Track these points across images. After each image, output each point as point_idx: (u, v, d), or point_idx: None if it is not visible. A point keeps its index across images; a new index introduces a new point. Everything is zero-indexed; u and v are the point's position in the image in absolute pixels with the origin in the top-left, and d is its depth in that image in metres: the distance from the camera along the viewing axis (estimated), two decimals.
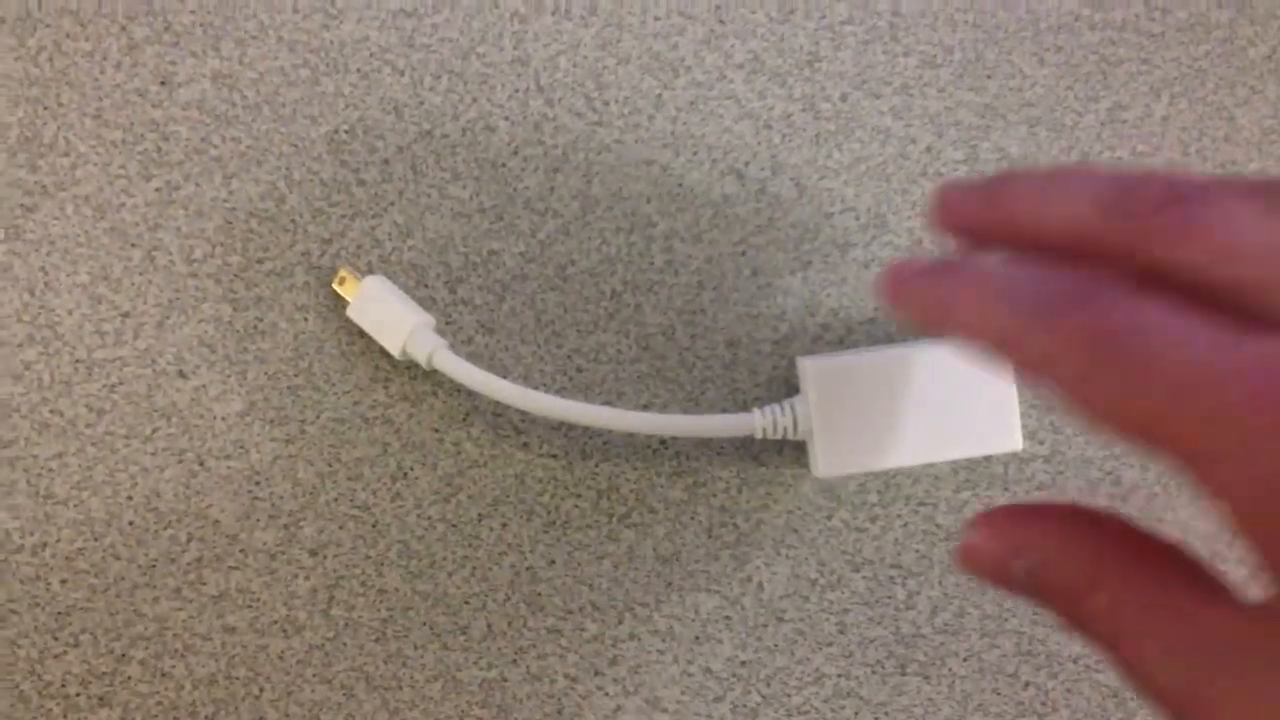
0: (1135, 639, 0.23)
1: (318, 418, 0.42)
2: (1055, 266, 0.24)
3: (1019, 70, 0.45)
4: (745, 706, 0.41)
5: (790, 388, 0.43)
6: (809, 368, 0.39)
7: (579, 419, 0.40)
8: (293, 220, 0.43)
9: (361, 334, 0.42)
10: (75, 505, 0.41)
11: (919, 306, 0.27)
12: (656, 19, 0.46)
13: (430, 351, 0.41)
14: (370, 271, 0.43)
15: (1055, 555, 0.25)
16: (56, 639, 0.41)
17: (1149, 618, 0.23)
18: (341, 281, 0.42)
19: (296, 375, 0.42)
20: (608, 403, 0.43)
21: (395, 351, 0.41)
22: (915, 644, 0.41)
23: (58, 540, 0.41)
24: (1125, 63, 0.45)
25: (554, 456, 0.42)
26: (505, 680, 0.41)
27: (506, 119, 0.45)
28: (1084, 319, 0.23)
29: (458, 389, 0.42)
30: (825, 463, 0.38)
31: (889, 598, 0.41)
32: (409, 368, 0.42)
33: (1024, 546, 0.26)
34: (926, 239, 0.44)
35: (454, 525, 0.42)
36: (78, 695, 0.40)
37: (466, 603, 0.41)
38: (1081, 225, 0.24)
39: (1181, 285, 0.23)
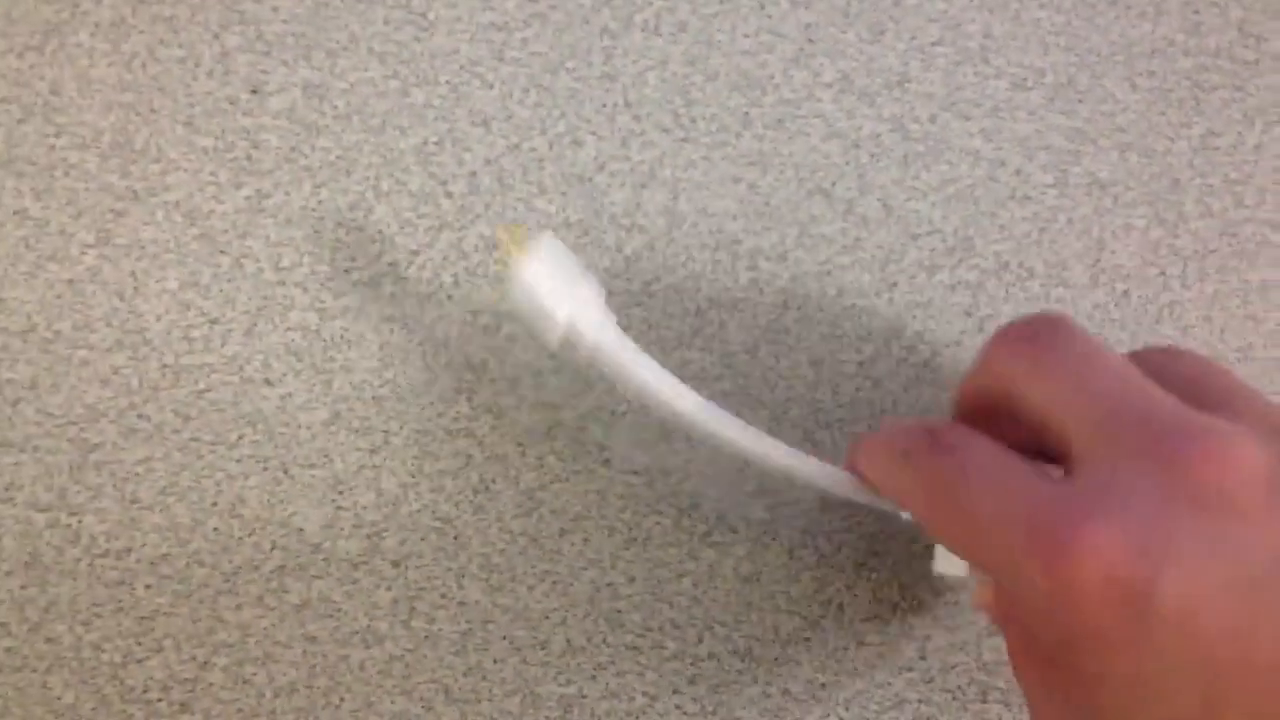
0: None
1: (401, 429, 0.42)
2: (928, 424, 0.30)
3: (1111, 95, 0.45)
4: None
5: (873, 407, 0.42)
6: None
7: (728, 435, 0.36)
8: (380, 231, 0.44)
9: (446, 345, 0.42)
10: (161, 510, 0.42)
11: (854, 466, 0.34)
12: (745, 36, 0.45)
13: (596, 329, 0.36)
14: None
15: None
16: (140, 644, 0.41)
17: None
18: (512, 239, 0.36)
19: (381, 385, 0.42)
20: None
21: (559, 323, 0.35)
22: (997, 671, 0.41)
23: (143, 545, 0.41)
24: (1219, 89, 0.45)
25: (636, 474, 0.42)
26: (584, 696, 0.41)
27: (594, 134, 0.45)
28: (928, 465, 0.29)
29: (541, 403, 0.42)
30: (944, 561, 0.37)
31: (971, 623, 0.41)
32: (492, 381, 0.42)
33: None
34: (1012, 263, 0.44)
35: (535, 539, 0.42)
36: (159, 700, 0.41)
37: (546, 617, 0.41)
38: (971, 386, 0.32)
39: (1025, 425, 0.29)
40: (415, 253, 0.43)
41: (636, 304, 0.43)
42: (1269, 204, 0.44)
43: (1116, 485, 0.23)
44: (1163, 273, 0.43)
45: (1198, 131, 0.45)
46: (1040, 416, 0.27)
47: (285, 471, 0.42)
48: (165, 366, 0.43)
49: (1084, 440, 0.25)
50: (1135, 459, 0.24)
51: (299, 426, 0.42)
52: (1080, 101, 0.45)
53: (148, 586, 0.41)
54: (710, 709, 0.41)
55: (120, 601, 0.41)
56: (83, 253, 0.43)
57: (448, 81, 0.45)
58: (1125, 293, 0.43)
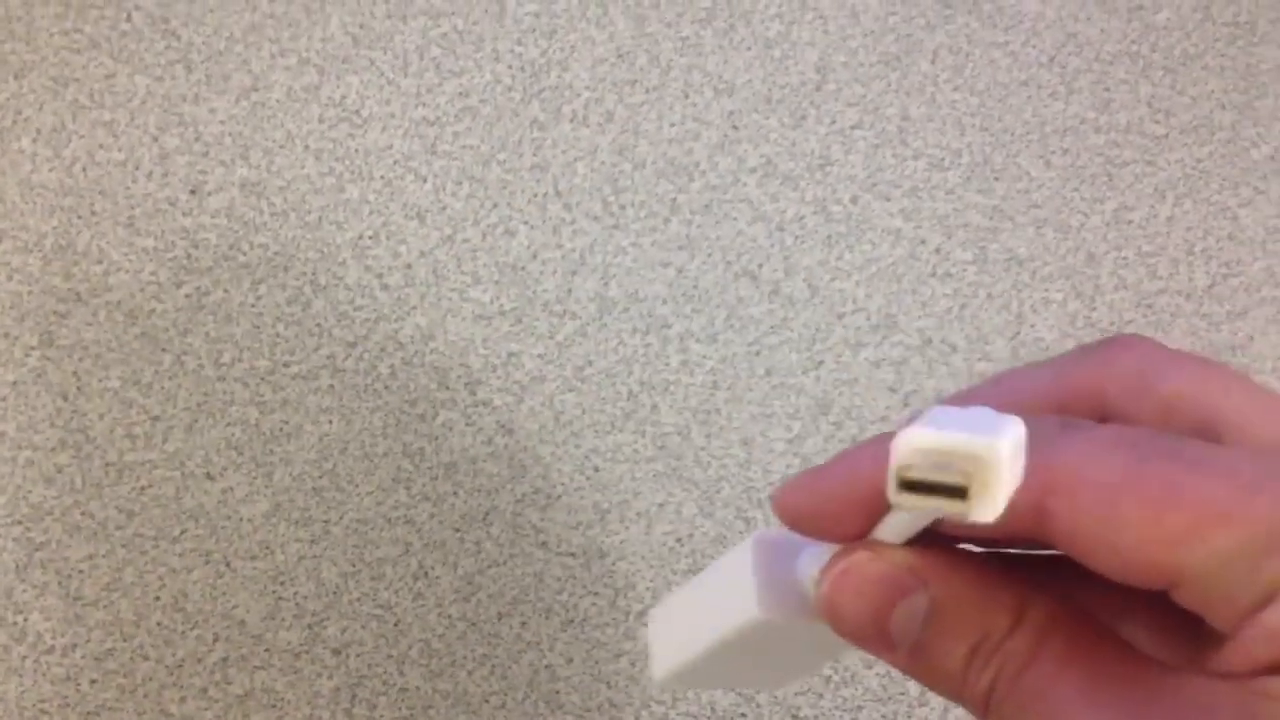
0: None
1: (341, 518, 0.43)
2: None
3: (1026, 173, 0.46)
4: None
5: None
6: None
7: None
8: (318, 324, 0.45)
9: (384, 434, 0.43)
10: (105, 606, 0.42)
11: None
12: (672, 125, 0.47)
13: None
14: None
15: None
16: None
17: None
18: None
19: (321, 476, 0.43)
20: (624, 502, 0.43)
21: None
22: None
23: (88, 641, 0.42)
24: (1130, 164, 0.46)
25: (572, 555, 0.43)
26: None
27: (526, 223, 0.46)
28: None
29: (478, 489, 0.43)
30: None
31: (902, 694, 0.42)
32: (430, 468, 0.43)
33: None
34: (935, 339, 0.45)
35: (474, 624, 0.42)
36: None
37: (486, 701, 0.42)
38: None
39: None
40: (352, 345, 0.45)
41: (570, 389, 0.44)
42: (1182, 275, 0.45)
43: None
44: (1081, 345, 0.44)
45: (1111, 206, 0.46)
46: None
47: (227, 564, 0.43)
48: (109, 464, 0.44)
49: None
50: None
51: (240, 520, 0.43)
52: (996, 180, 0.46)
53: (93, 682, 0.42)
54: None
55: (66, 698, 0.42)
56: (26, 355, 0.44)
57: (382, 176, 0.46)
58: None
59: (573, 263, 0.45)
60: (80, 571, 0.43)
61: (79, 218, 0.46)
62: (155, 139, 0.46)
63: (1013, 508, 0.20)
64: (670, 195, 0.46)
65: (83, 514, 0.43)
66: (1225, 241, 0.45)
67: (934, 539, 0.22)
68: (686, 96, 0.47)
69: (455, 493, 0.43)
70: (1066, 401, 0.22)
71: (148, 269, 0.45)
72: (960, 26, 0.47)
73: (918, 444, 0.17)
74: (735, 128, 0.47)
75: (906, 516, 0.21)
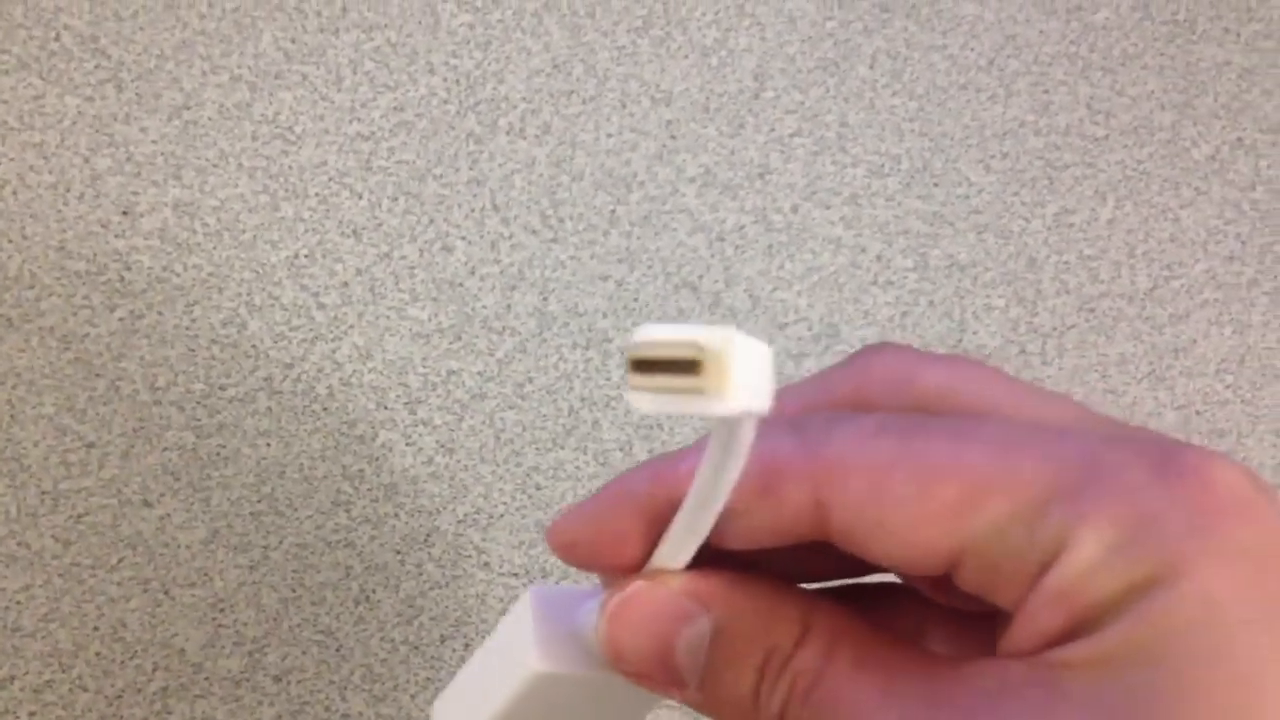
0: None
1: (281, 543, 0.43)
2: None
3: (965, 178, 0.46)
4: None
5: None
6: None
7: None
8: (254, 346, 0.44)
9: (323, 457, 0.43)
10: (43, 637, 0.42)
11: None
12: (609, 135, 0.46)
13: None
14: None
15: None
16: None
17: None
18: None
19: (259, 501, 0.43)
20: None
21: None
22: None
23: (26, 673, 0.42)
24: (1071, 167, 0.46)
25: (515, 575, 0.43)
26: None
27: (464, 239, 0.45)
28: None
29: (419, 510, 0.43)
30: None
31: None
32: (370, 490, 0.43)
33: None
34: None
35: (417, 647, 0.42)
36: None
37: None
38: None
39: None
40: (289, 366, 0.44)
41: (510, 406, 0.44)
42: (1124, 278, 0.45)
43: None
44: (1023, 350, 0.44)
45: (1052, 210, 0.46)
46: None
47: (166, 592, 0.42)
48: (44, 493, 0.43)
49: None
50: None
51: (178, 546, 0.43)
52: (936, 185, 0.46)
53: (31, 714, 0.42)
54: None
55: None
56: None
57: (317, 194, 0.46)
58: None
59: (511, 278, 0.45)
60: (17, 603, 0.42)
61: (9, 242, 0.45)
62: (86, 160, 0.46)
63: (791, 505, 0.20)
64: (609, 207, 0.46)
65: (18, 544, 0.43)
66: (1167, 243, 0.45)
67: (718, 563, 0.21)
68: (624, 106, 0.47)
69: (396, 514, 0.43)
70: (832, 410, 0.22)
71: (80, 293, 0.45)
72: (898, 30, 0.47)
73: (651, 332, 0.16)
74: (673, 137, 0.46)
75: (681, 533, 0.20)
